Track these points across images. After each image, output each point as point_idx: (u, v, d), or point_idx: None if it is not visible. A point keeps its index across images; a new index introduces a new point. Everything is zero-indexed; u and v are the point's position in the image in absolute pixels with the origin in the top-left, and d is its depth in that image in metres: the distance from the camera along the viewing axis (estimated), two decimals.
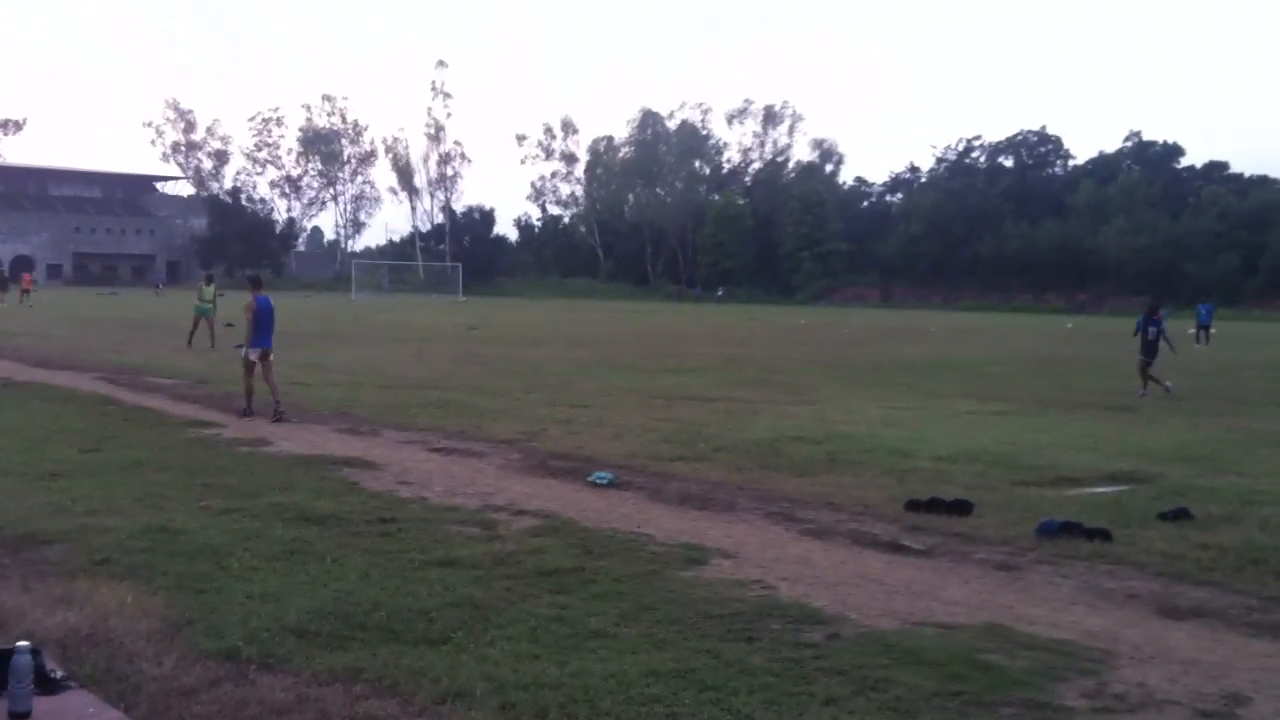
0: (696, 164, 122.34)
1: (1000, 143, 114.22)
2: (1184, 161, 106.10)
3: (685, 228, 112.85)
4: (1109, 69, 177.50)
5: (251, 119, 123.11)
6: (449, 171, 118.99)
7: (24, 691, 4.28)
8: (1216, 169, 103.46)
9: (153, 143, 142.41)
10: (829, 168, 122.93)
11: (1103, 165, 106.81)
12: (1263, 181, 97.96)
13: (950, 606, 6.59)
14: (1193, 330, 41.19)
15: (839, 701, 4.95)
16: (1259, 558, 7.79)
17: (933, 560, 7.79)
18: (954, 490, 9.94)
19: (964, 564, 7.69)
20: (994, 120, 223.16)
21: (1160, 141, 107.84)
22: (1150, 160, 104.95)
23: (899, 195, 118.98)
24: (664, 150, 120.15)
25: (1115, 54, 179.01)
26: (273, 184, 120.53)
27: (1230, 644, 6.04)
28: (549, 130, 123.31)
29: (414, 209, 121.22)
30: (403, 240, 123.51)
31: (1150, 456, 12.46)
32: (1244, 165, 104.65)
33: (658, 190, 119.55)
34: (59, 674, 4.66)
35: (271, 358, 15.01)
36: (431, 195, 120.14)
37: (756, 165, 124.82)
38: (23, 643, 4.35)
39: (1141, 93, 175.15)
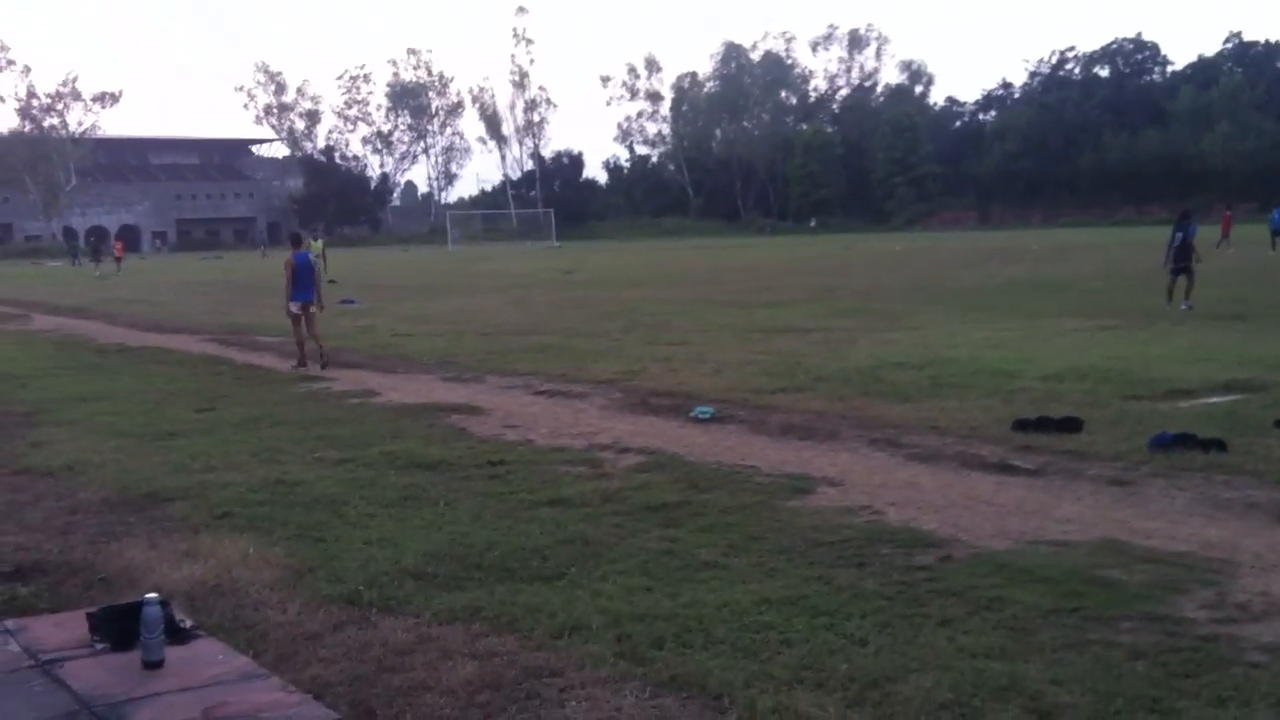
0: (783, 94, 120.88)
1: (1095, 53, 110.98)
2: None
3: (774, 160, 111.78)
4: None
5: (339, 77, 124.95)
6: (535, 118, 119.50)
7: (156, 641, 4.47)
8: None
9: (245, 107, 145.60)
10: (918, 89, 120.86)
11: (1202, 69, 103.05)
12: None
13: (1063, 524, 6.51)
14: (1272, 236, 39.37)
15: (954, 622, 4.94)
16: None
17: (1043, 479, 7.69)
18: (1062, 408, 9.77)
19: (1076, 481, 7.58)
20: (1087, 30, 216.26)
21: (1262, 41, 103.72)
22: (1252, 61, 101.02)
23: (992, 113, 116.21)
24: (749, 82, 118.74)
25: None
26: (364, 140, 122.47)
27: None
28: (633, 70, 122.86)
29: (503, 157, 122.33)
30: (494, 189, 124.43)
31: (1264, 365, 12.08)
32: None
33: (744, 124, 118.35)
34: (188, 624, 4.86)
35: (314, 309, 15.50)
36: (520, 143, 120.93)
37: (844, 92, 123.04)
38: (152, 595, 4.55)
39: None
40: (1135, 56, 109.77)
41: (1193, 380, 11.24)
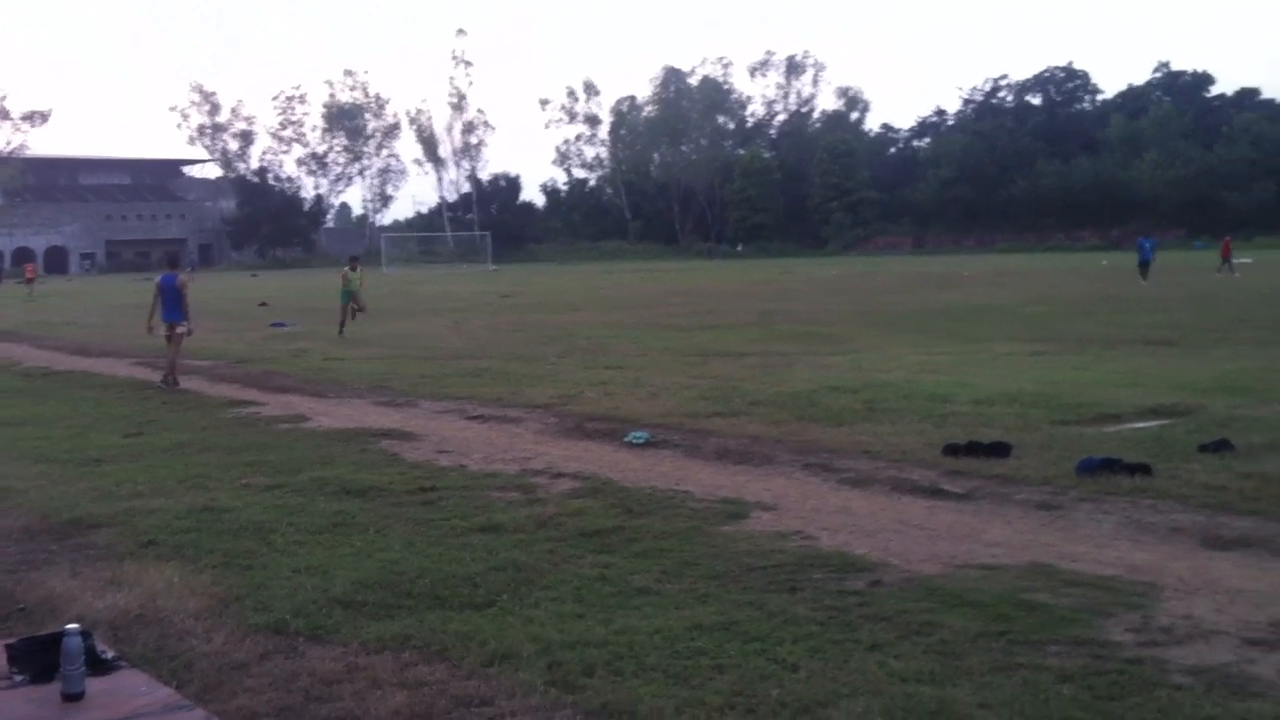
0: (721, 119, 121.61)
1: (1027, 81, 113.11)
2: (1214, 90, 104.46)
3: (713, 184, 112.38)
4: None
5: (275, 98, 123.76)
6: (473, 140, 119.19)
7: (77, 673, 4.34)
8: (1248, 96, 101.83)
9: (179, 126, 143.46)
10: (855, 116, 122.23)
11: (1133, 98, 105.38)
12: None
13: (993, 548, 6.57)
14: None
15: (885, 647, 4.96)
16: None
17: (973, 503, 7.76)
18: (993, 433, 9.88)
19: (1005, 505, 7.66)
20: (1019, 58, 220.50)
21: (1190, 71, 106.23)
22: (1180, 90, 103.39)
23: (927, 140, 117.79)
24: (687, 107, 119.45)
25: None
26: (299, 162, 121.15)
27: (1276, 572, 6.00)
28: (571, 93, 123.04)
29: (440, 180, 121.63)
30: (430, 212, 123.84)
31: (1191, 389, 12.32)
32: (1276, 91, 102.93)
33: (683, 148, 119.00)
34: (110, 655, 4.73)
35: (180, 330, 15.84)
36: (457, 165, 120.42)
37: (781, 117, 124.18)
38: (73, 625, 4.43)
39: (1168, 22, 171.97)
40: (1067, 85, 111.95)
41: (1121, 405, 11.41)
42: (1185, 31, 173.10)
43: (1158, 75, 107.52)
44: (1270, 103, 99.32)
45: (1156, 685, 4.49)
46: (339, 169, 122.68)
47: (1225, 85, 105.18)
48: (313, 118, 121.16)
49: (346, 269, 25.73)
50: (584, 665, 4.82)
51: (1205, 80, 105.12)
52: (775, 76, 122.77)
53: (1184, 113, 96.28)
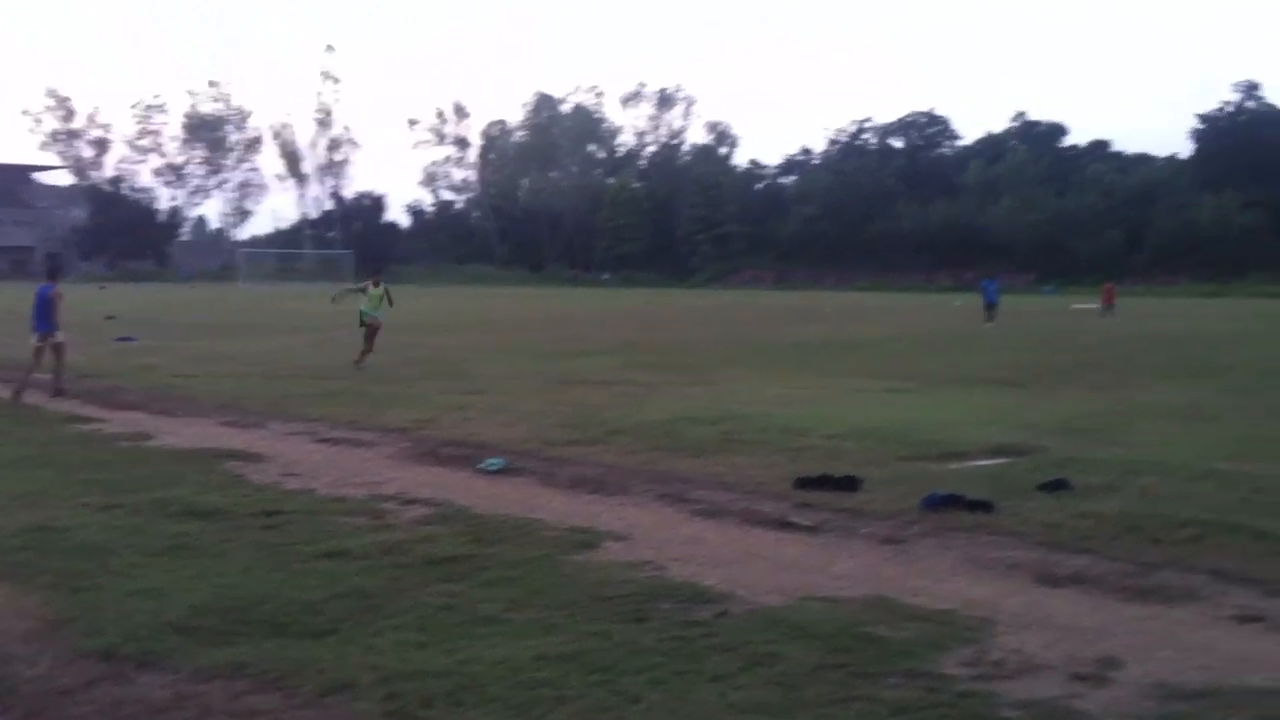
0: (592, 148, 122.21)
1: (891, 124, 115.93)
2: (1068, 140, 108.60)
3: (582, 212, 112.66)
4: (994, 50, 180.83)
5: (134, 106, 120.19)
6: (338, 157, 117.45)
7: None
8: (1099, 147, 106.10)
9: (31, 131, 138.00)
10: (723, 150, 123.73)
11: (990, 145, 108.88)
12: (1144, 159, 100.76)
13: (837, 580, 6.68)
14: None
15: (726, 678, 5.00)
16: (1135, 525, 8.00)
17: (821, 536, 7.88)
18: (844, 467, 10.05)
19: (851, 538, 7.80)
20: (884, 102, 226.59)
21: (1045, 121, 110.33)
22: (1036, 139, 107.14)
23: (793, 177, 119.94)
24: (558, 134, 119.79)
25: (1000, 35, 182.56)
26: (156, 172, 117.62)
27: (1106, 609, 6.22)
28: (441, 115, 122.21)
29: (302, 195, 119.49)
30: (291, 228, 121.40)
31: (1035, 429, 12.72)
32: (1125, 144, 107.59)
33: (553, 174, 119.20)
34: None
35: (53, 341, 15.70)
36: (320, 181, 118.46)
37: (652, 148, 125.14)
38: None
39: (1025, 74, 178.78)
40: (928, 130, 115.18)
41: (967, 443, 11.73)
42: (1042, 83, 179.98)
43: (1015, 124, 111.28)
44: (1119, 154, 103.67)
45: (986, 718, 4.61)
46: (197, 181, 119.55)
47: (1078, 136, 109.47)
48: (172, 128, 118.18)
49: (369, 283, 21.88)
50: (424, 696, 4.76)
51: (1059, 131, 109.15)
52: (647, 108, 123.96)
53: (1039, 160, 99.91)
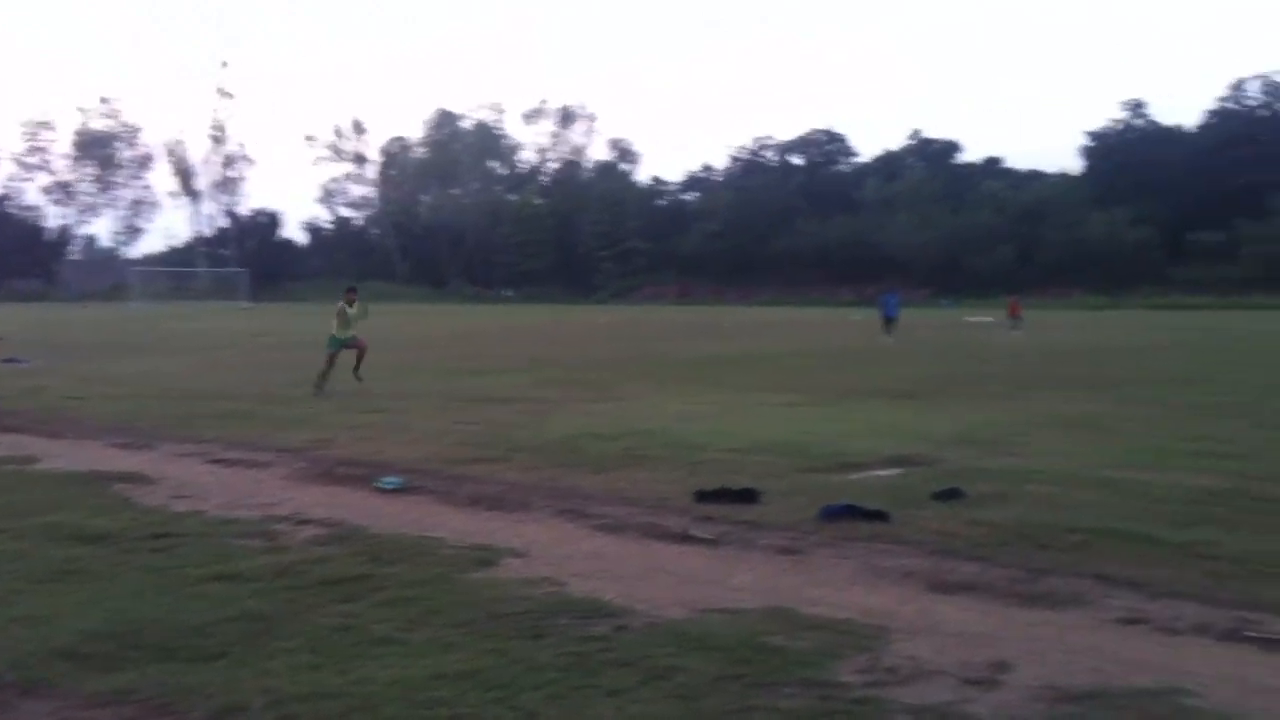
0: (494, 164, 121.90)
1: (791, 141, 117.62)
2: (962, 158, 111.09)
3: (484, 229, 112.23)
4: (890, 67, 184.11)
5: (23, 123, 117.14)
6: (233, 174, 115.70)
7: None
8: (992, 164, 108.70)
9: None
10: (626, 167, 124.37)
11: (887, 162, 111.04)
12: (1036, 176, 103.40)
13: (736, 592, 6.70)
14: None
15: (624, 692, 4.99)
16: (1026, 532, 8.17)
17: (721, 549, 7.91)
18: (744, 480, 10.10)
19: (750, 550, 7.84)
20: (784, 120, 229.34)
21: (940, 139, 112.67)
22: (932, 156, 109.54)
23: (695, 194, 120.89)
24: (460, 150, 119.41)
25: (896, 53, 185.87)
26: (44, 190, 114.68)
27: (997, 615, 6.33)
28: (339, 131, 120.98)
29: (196, 213, 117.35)
30: (185, 246, 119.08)
31: (931, 440, 12.93)
32: (1018, 161, 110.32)
33: (454, 191, 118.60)
34: None
35: None
36: (215, 199, 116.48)
37: (554, 165, 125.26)
38: None
39: (921, 91, 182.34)
40: (827, 147, 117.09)
41: (865, 454, 11.88)
42: (937, 102, 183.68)
43: (911, 142, 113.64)
44: (1011, 171, 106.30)
45: None
46: (88, 199, 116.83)
47: (972, 154, 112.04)
48: (62, 144, 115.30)
49: (342, 303, 20.21)
50: (317, 717, 4.69)
51: (954, 148, 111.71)
52: (548, 125, 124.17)
53: (935, 178, 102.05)
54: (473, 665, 5.31)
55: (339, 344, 19.49)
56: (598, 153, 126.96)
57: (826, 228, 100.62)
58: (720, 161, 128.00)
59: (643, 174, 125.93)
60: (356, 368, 19.68)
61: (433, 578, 6.96)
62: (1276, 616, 6.18)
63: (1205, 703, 4.95)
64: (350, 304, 19.91)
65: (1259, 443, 12.84)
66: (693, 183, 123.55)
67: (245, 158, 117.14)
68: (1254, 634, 5.92)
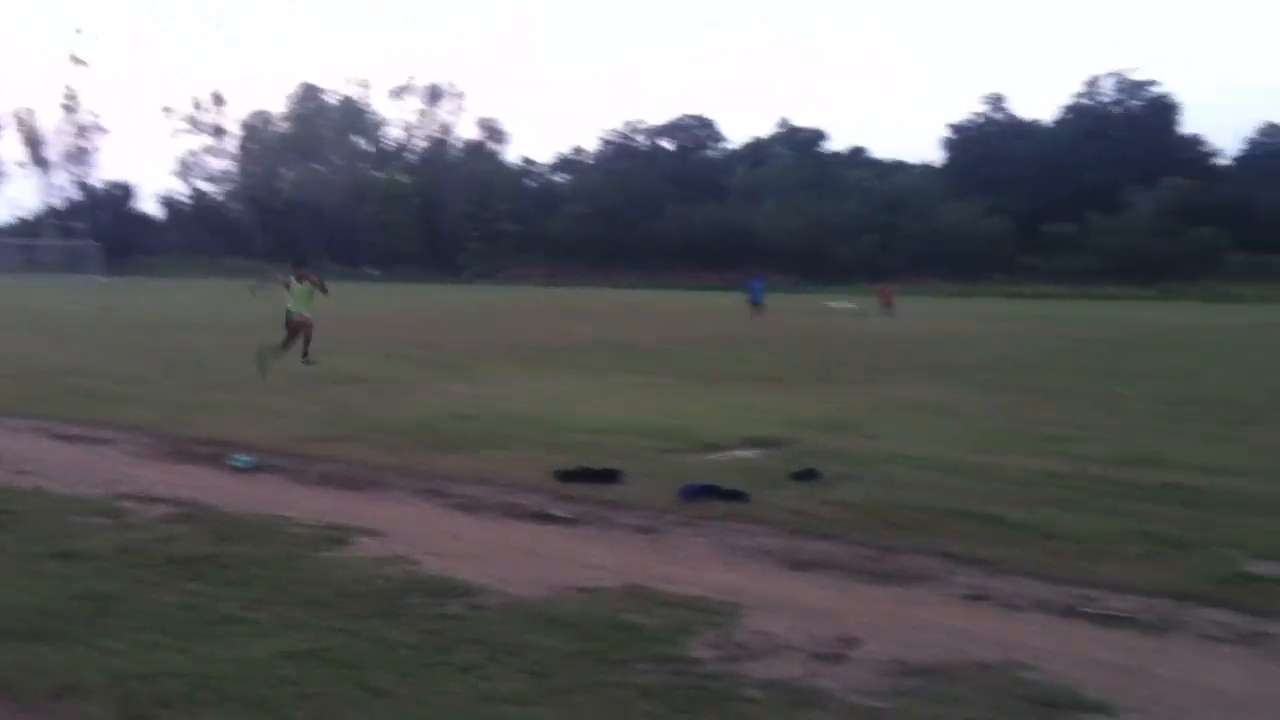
0: (359, 140, 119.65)
1: (661, 126, 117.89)
2: (829, 147, 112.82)
3: (348, 206, 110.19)
4: (759, 54, 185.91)
5: None
6: (85, 144, 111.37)
7: None
8: (857, 153, 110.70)
9: None
10: (495, 147, 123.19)
11: (755, 150, 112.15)
12: (899, 166, 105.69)
13: (594, 571, 6.72)
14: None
15: (476, 668, 4.97)
16: (877, 511, 8.37)
17: (580, 528, 7.93)
18: (606, 460, 10.12)
19: (609, 529, 7.88)
20: (655, 103, 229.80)
21: (807, 127, 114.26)
22: (799, 144, 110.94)
23: (566, 176, 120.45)
24: (323, 125, 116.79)
25: (765, 40, 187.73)
26: None
27: (847, 591, 6.47)
28: (198, 103, 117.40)
29: (46, 184, 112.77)
30: (35, 218, 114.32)
31: (792, 423, 13.11)
32: (882, 151, 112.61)
33: (317, 167, 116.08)
34: None
35: None
36: (66, 169, 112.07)
37: (421, 143, 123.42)
38: None
39: (788, 79, 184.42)
40: (697, 133, 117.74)
41: (726, 436, 12.00)
42: (803, 90, 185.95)
43: (779, 130, 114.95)
44: (876, 161, 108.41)
45: (730, 698, 4.73)
46: None
47: (838, 143, 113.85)
48: None
49: (290, 277, 18.90)
50: (159, 696, 4.59)
51: (820, 136, 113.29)
52: (415, 102, 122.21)
53: (802, 166, 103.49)
54: (321, 644, 5.24)
55: (292, 313, 18.52)
56: (466, 131, 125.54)
57: (695, 213, 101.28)
58: (591, 144, 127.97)
59: (512, 154, 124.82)
60: (300, 343, 18.49)
61: (282, 556, 6.84)
62: (1111, 593, 6.45)
63: (1041, 675, 5.13)
64: (299, 280, 18.70)
65: (1098, 427, 13.37)
66: (563, 164, 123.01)
67: (99, 128, 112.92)
68: (1089, 610, 6.17)
